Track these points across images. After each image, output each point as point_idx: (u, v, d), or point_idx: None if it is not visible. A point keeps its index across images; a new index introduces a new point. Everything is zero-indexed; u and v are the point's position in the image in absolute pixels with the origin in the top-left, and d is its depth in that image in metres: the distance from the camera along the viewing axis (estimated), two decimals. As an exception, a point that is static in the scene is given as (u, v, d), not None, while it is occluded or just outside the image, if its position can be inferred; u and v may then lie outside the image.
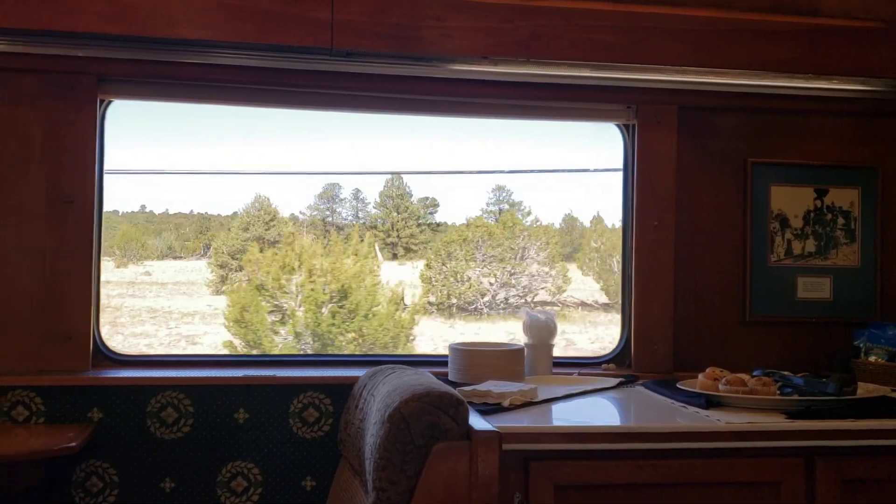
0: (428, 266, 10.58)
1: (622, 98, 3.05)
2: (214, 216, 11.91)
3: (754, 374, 2.54)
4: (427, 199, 11.65)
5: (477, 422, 2.10)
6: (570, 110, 3.11)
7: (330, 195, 11.36)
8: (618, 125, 3.13)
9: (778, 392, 2.44)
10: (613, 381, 2.83)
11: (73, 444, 2.43)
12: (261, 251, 9.72)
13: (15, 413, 2.65)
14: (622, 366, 3.08)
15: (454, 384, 2.58)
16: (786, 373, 2.59)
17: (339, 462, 2.66)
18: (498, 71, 2.84)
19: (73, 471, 2.67)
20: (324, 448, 2.77)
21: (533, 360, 2.85)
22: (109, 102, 2.87)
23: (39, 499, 2.64)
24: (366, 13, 2.63)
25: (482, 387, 2.48)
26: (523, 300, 10.35)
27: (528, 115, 3.10)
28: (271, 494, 2.76)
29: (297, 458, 2.77)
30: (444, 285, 10.39)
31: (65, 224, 2.75)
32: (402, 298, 9.52)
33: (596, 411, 2.57)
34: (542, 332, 2.87)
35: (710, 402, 2.43)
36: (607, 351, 3.16)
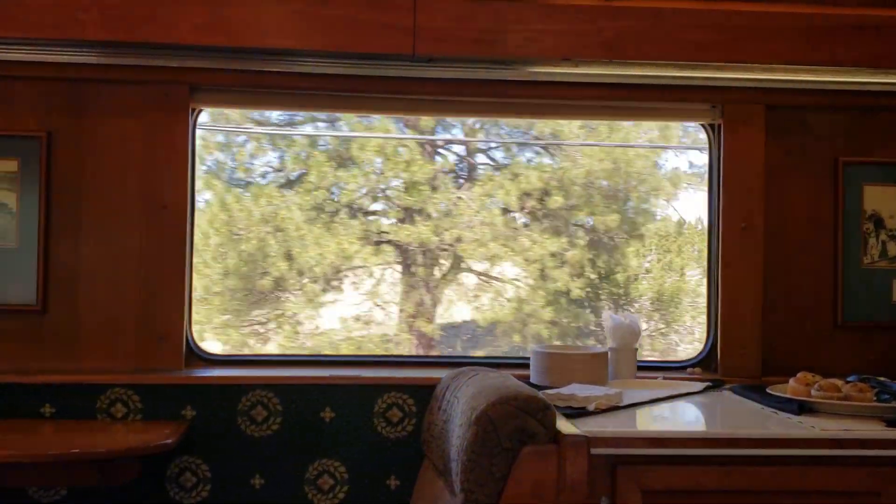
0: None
1: (707, 97, 2.99)
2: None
3: (849, 379, 2.46)
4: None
5: (564, 426, 2.10)
6: (654, 111, 3.08)
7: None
8: (702, 125, 3.07)
9: (875, 399, 2.35)
10: (700, 386, 2.78)
11: (170, 440, 2.53)
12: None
13: (114, 410, 2.77)
14: (708, 370, 3.02)
15: (536, 387, 2.58)
16: (883, 378, 2.50)
17: (422, 462, 2.69)
18: (580, 72, 2.83)
19: (168, 466, 2.78)
20: (407, 448, 2.80)
21: (616, 364, 2.83)
22: (200, 111, 2.98)
23: (138, 493, 2.76)
24: (450, 19, 2.65)
25: (565, 390, 2.47)
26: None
27: (610, 115, 3.09)
28: (357, 493, 2.81)
29: (382, 457, 2.81)
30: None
31: (160, 229, 2.87)
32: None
33: (683, 416, 2.53)
34: (625, 335, 2.84)
35: (803, 408, 2.36)
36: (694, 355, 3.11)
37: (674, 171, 5.49)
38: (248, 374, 2.81)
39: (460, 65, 2.79)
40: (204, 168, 4.21)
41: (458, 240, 4.86)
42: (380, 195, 4.83)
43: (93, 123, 2.87)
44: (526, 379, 2.69)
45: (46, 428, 2.71)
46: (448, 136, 4.39)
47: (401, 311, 4.91)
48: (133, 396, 2.77)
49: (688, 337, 5.25)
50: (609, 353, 2.80)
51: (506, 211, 4.86)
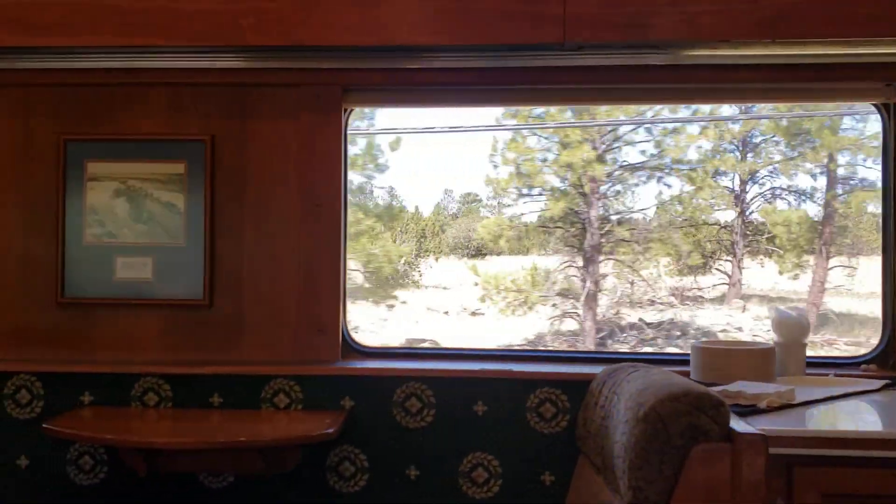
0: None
1: (880, 75, 2.78)
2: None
3: None
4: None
5: (738, 424, 2.00)
6: (819, 91, 2.90)
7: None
8: (875, 105, 2.86)
9: None
10: (877, 384, 2.59)
11: (331, 430, 2.60)
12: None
13: (277, 400, 2.89)
14: (884, 366, 2.81)
15: (699, 384, 2.49)
16: None
17: (577, 458, 2.65)
18: (738, 54, 2.69)
19: (328, 455, 2.87)
20: (561, 443, 2.77)
21: (784, 360, 2.68)
22: (351, 111, 3.05)
23: (299, 481, 2.86)
24: (599, 4, 2.58)
25: (732, 387, 2.37)
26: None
27: (770, 98, 2.92)
28: (511, 487, 2.80)
29: (535, 452, 2.79)
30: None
31: (316, 225, 2.96)
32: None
33: (862, 416, 2.37)
34: (793, 330, 2.68)
35: None
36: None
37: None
38: (402, 367, 2.86)
39: (611, 51, 2.72)
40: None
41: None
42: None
43: (253, 126, 3.00)
44: (685, 376, 2.60)
45: (215, 417, 2.85)
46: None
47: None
48: (294, 387, 2.87)
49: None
50: (776, 348, 2.66)
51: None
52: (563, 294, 7.65)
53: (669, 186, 7.08)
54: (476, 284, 8.23)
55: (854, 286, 8.05)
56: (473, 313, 8.36)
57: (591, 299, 7.22)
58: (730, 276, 8.22)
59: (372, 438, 2.85)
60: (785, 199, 7.81)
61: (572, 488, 2.63)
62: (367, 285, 8.36)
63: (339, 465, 2.86)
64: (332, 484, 2.86)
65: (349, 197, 3.08)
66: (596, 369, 2.65)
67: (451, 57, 2.81)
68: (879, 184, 2.92)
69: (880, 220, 2.93)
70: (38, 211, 3.03)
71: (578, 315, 7.48)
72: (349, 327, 3.06)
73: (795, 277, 8.07)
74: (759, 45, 2.61)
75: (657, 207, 7.41)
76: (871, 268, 7.42)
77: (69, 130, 3.03)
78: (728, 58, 2.73)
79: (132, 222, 3.03)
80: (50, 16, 2.74)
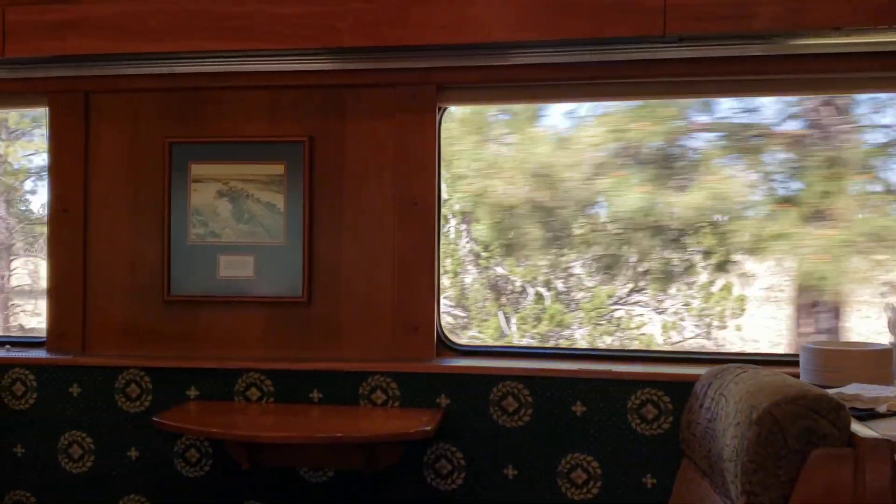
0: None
1: None
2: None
3: None
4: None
5: (859, 428, 1.91)
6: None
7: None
8: None
9: None
10: None
11: (429, 427, 2.61)
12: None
13: (374, 397, 2.92)
14: None
15: (815, 387, 2.38)
16: None
17: (680, 461, 2.58)
18: (850, 42, 2.57)
19: (424, 453, 2.88)
20: (664, 446, 2.70)
21: (903, 362, 2.54)
22: (445, 109, 3.06)
23: (397, 478, 2.88)
24: (702, -6, 2.52)
25: (847, 390, 2.26)
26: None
27: (884, 88, 2.77)
28: (611, 489, 2.75)
29: (637, 454, 2.73)
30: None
31: (411, 225, 2.98)
32: None
33: None
34: (912, 330, 2.54)
35: None
36: None
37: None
38: (498, 365, 2.84)
39: (713, 42, 2.64)
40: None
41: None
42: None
43: (349, 126, 3.04)
44: (794, 377, 2.49)
45: (315, 412, 2.90)
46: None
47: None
48: (391, 384, 2.90)
49: None
50: (893, 349, 2.52)
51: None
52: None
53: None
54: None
55: None
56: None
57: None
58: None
59: (468, 437, 2.84)
60: None
61: (675, 492, 2.56)
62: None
63: (436, 463, 2.87)
64: (429, 481, 2.87)
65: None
66: (699, 370, 2.56)
67: (546, 52, 2.78)
68: None
69: None
70: (146, 212, 3.15)
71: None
72: (443, 325, 3.07)
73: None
74: (872, 33, 2.49)
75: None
76: None
77: (174, 134, 3.14)
78: (839, 46, 2.60)
79: (234, 222, 3.11)
80: (151, 23, 2.85)
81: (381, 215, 3.02)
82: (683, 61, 2.77)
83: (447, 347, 3.03)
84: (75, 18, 2.90)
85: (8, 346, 3.22)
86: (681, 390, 2.66)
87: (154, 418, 2.73)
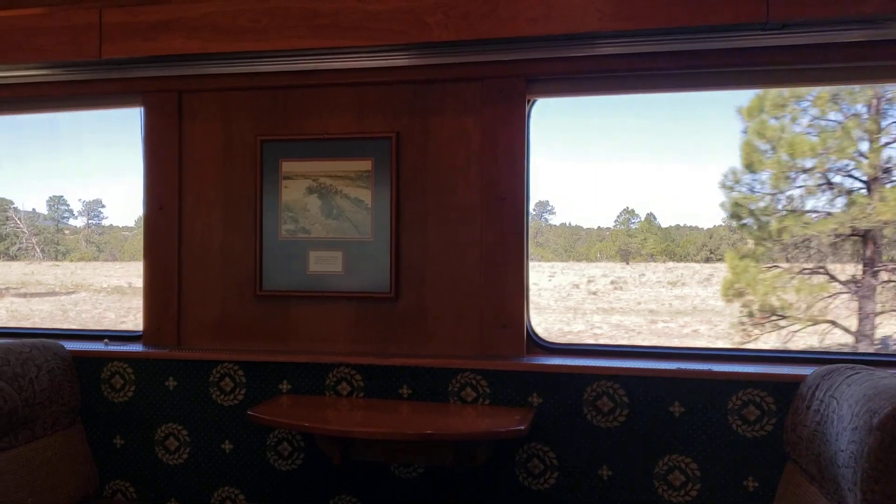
0: None
1: None
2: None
3: None
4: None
5: None
6: None
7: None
8: None
9: None
10: None
11: (522, 426, 2.57)
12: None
13: (464, 394, 2.89)
14: None
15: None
16: None
17: (784, 465, 2.48)
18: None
19: (516, 452, 2.84)
20: (767, 448, 2.60)
21: None
22: (534, 101, 3.01)
23: (489, 476, 2.86)
24: (807, -22, 2.40)
25: (973, 394, 2.11)
26: None
27: None
28: (710, 491, 2.66)
29: (738, 456, 2.64)
30: None
31: (499, 220, 2.94)
32: None
33: None
34: None
35: None
36: None
37: None
38: (592, 364, 2.78)
39: (817, 28, 2.52)
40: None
41: None
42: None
43: (436, 121, 3.02)
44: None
45: (404, 408, 2.89)
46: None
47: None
48: (482, 381, 2.87)
49: None
50: None
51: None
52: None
53: None
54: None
55: None
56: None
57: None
58: None
59: (561, 436, 2.80)
60: None
61: (780, 496, 2.47)
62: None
63: (528, 462, 2.83)
64: (521, 480, 2.83)
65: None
66: (804, 370, 2.46)
67: (639, 42, 2.70)
68: None
69: None
70: (238, 208, 3.20)
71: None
72: (532, 322, 3.02)
73: None
74: None
75: None
76: None
77: (265, 131, 3.18)
78: None
79: (323, 218, 3.13)
80: (243, 22, 2.88)
81: (469, 210, 2.99)
82: (786, 49, 2.65)
83: (537, 345, 2.98)
84: (169, 19, 2.95)
85: (107, 340, 3.32)
86: (785, 391, 2.55)
87: (249, 412, 2.76)
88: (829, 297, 8.02)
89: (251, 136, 3.18)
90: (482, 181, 2.97)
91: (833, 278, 8.02)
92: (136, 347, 3.23)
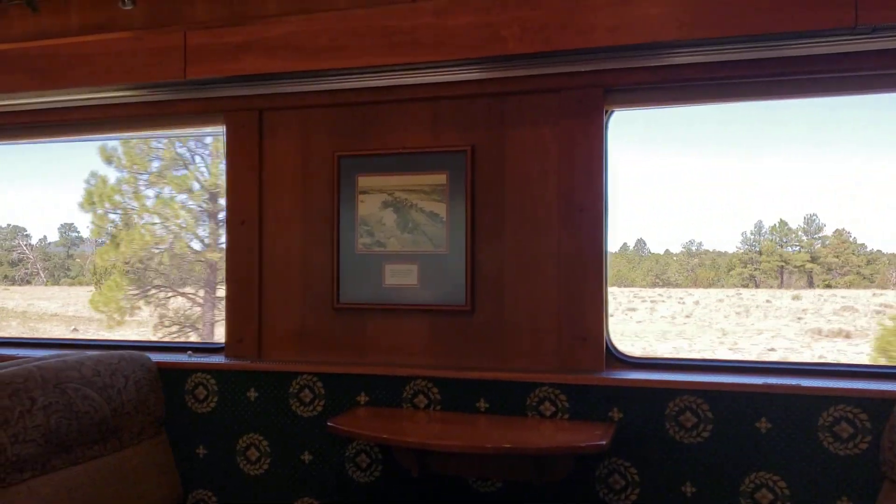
0: None
1: None
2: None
3: None
4: None
5: None
6: None
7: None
8: None
9: None
10: None
11: (603, 441, 2.53)
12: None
13: (542, 408, 2.87)
14: None
15: None
16: None
17: (881, 484, 2.37)
18: None
19: (596, 467, 2.80)
20: (861, 467, 2.50)
21: None
22: (612, 112, 2.98)
23: (568, 492, 2.82)
24: (899, -20, 2.32)
25: None
26: None
27: None
28: None
29: (830, 475, 2.54)
30: None
31: (577, 231, 2.92)
32: None
33: None
34: None
35: None
36: None
37: None
38: (674, 379, 2.73)
39: None
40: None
41: None
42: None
43: (511, 134, 3.02)
44: None
45: (482, 421, 2.88)
46: None
47: None
48: (560, 396, 2.84)
49: None
50: None
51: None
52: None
53: None
54: None
55: None
56: None
57: None
58: None
59: (643, 452, 2.75)
60: None
61: (877, 518, 2.37)
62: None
63: (609, 478, 2.79)
64: (602, 496, 2.79)
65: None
66: (900, 386, 2.36)
67: (720, 50, 2.65)
68: None
69: None
70: (316, 223, 3.26)
71: None
72: (612, 336, 2.98)
73: None
74: None
75: None
76: None
77: (342, 147, 3.23)
78: None
79: (399, 232, 3.16)
80: (322, 41, 2.94)
81: (545, 222, 2.98)
82: (874, 53, 2.57)
83: (617, 359, 2.94)
84: (250, 40, 3.04)
85: (190, 352, 3.41)
86: (880, 408, 2.46)
87: (328, 423, 2.80)
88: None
89: (328, 152, 3.24)
90: (559, 193, 2.96)
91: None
92: (219, 359, 3.31)
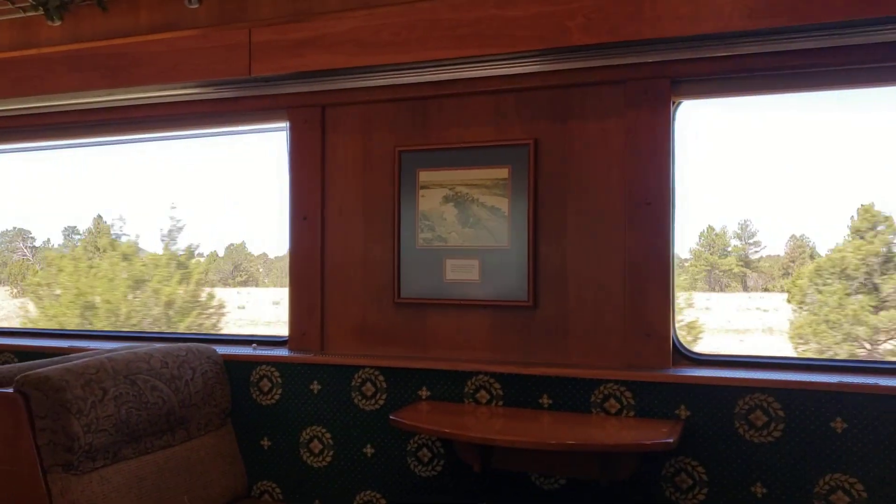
0: None
1: None
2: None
3: None
4: None
5: None
6: None
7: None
8: None
9: None
10: None
11: (671, 439, 2.48)
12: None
13: (607, 405, 2.83)
14: None
15: None
16: None
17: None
18: None
19: (663, 465, 2.75)
20: None
21: None
22: (679, 103, 2.92)
23: (633, 490, 2.77)
24: None
25: None
26: None
27: None
28: None
29: None
30: None
31: (644, 225, 2.87)
32: None
33: None
34: None
35: None
36: None
37: None
38: (744, 377, 2.66)
39: None
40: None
41: None
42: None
43: (575, 126, 2.98)
44: None
45: (545, 418, 2.85)
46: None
47: None
48: (626, 393, 2.80)
49: None
50: None
51: None
52: None
53: None
54: None
55: None
56: None
57: None
58: None
59: (711, 451, 2.68)
60: None
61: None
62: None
63: (676, 477, 2.73)
64: (668, 495, 2.74)
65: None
66: None
67: (791, 38, 2.57)
68: None
69: None
70: (377, 218, 3.27)
71: None
72: (678, 332, 2.92)
73: None
74: None
75: None
76: None
77: (403, 142, 3.23)
78: None
79: (460, 226, 3.15)
80: (384, 35, 2.95)
81: (610, 216, 2.93)
82: None
83: (684, 356, 2.88)
84: (314, 36, 3.06)
85: (255, 345, 3.46)
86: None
87: (391, 416, 2.80)
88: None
89: (389, 147, 3.25)
90: (625, 186, 2.91)
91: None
92: (283, 352, 3.34)
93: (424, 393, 3.07)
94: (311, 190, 3.35)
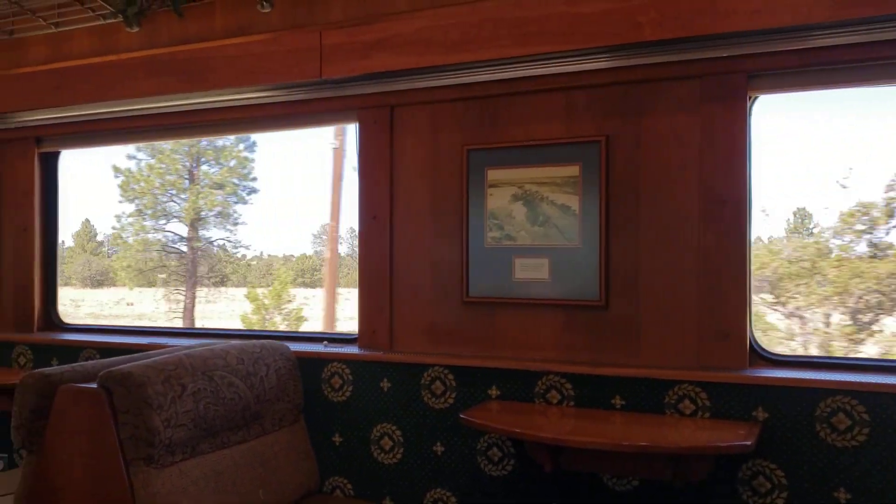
0: None
1: None
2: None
3: None
4: None
5: None
6: None
7: None
8: None
9: None
10: None
11: (748, 441, 2.42)
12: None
13: (682, 406, 2.78)
14: None
15: None
16: None
17: None
18: None
19: (739, 468, 2.69)
20: None
21: None
22: (756, 98, 2.84)
23: (708, 492, 2.72)
24: None
25: None
26: None
27: None
28: None
29: None
30: None
31: (719, 223, 2.80)
32: None
33: None
34: None
35: None
36: None
37: None
38: (825, 378, 2.57)
39: None
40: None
41: None
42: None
43: (648, 123, 2.93)
44: None
45: (617, 418, 2.82)
46: None
47: None
48: (701, 394, 2.74)
49: None
50: None
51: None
52: None
53: None
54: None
55: None
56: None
57: None
58: None
59: (791, 454, 2.61)
60: None
61: None
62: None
63: (753, 480, 2.67)
64: (745, 499, 2.67)
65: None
66: None
67: (873, 29, 2.48)
68: None
69: None
70: (445, 217, 3.27)
71: None
72: (755, 333, 2.85)
73: None
74: None
75: None
76: None
77: (471, 141, 3.23)
78: None
79: (529, 225, 3.13)
80: (453, 35, 2.95)
81: (684, 215, 2.87)
82: None
83: (761, 357, 2.80)
84: (383, 37, 3.09)
85: (326, 343, 3.52)
86: None
87: (461, 415, 2.81)
88: None
89: (458, 146, 3.25)
90: (700, 183, 2.85)
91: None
92: (353, 350, 3.39)
93: (494, 392, 3.07)
94: (380, 190, 3.38)
